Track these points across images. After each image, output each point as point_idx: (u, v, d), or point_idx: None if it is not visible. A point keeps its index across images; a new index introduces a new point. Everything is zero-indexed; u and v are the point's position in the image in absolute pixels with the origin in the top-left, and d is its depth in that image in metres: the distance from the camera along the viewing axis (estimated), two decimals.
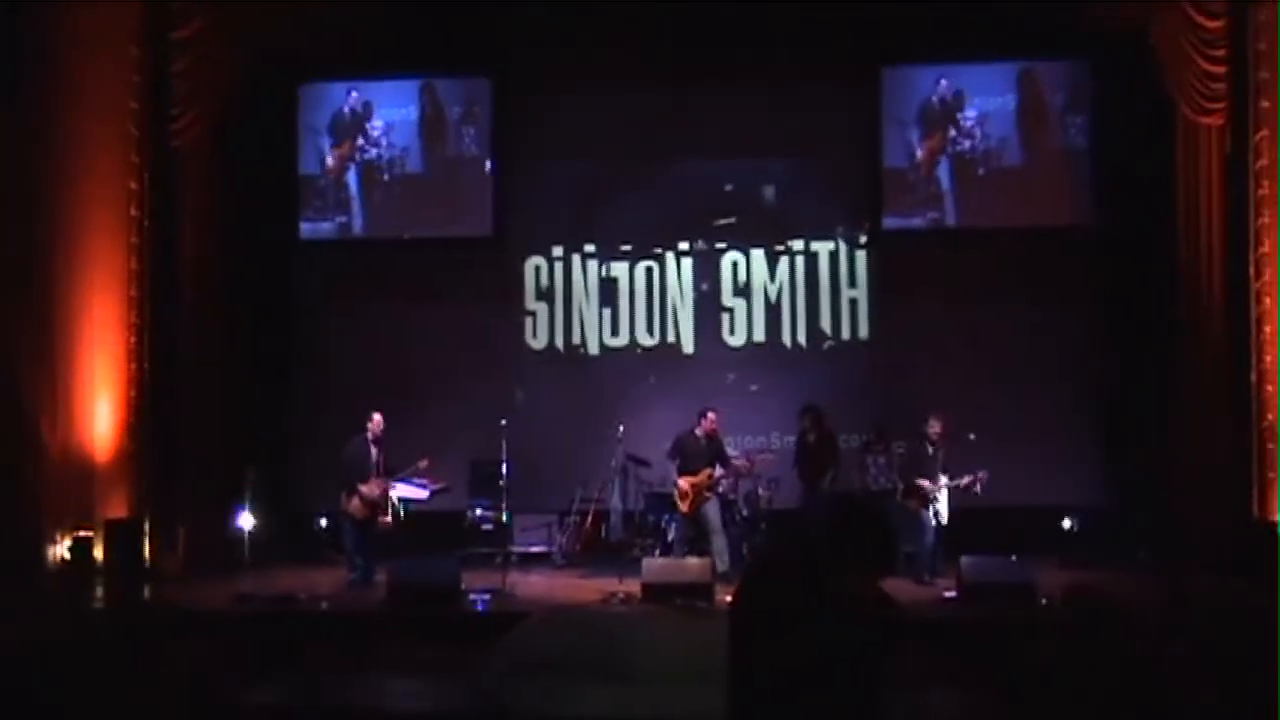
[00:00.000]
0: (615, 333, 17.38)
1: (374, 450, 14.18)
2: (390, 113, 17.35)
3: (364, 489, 13.99)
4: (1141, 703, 5.03)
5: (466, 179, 17.31)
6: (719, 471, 14.53)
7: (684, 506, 14.46)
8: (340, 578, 14.15)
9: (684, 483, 14.46)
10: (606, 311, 17.41)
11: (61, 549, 13.57)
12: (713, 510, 14.34)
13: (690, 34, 16.16)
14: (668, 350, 17.31)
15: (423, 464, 14.34)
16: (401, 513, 14.88)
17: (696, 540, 14.44)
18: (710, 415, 14.69)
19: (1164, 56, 14.75)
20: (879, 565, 4.44)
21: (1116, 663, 5.24)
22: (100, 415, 14.28)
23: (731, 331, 17.24)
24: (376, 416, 14.27)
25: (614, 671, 9.49)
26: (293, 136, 17.23)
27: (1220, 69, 14.35)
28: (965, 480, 13.80)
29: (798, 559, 4.53)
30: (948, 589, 13.01)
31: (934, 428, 14.13)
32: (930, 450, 14.10)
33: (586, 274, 17.43)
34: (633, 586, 13.06)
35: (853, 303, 17.13)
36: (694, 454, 14.60)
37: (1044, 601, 11.85)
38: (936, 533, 13.88)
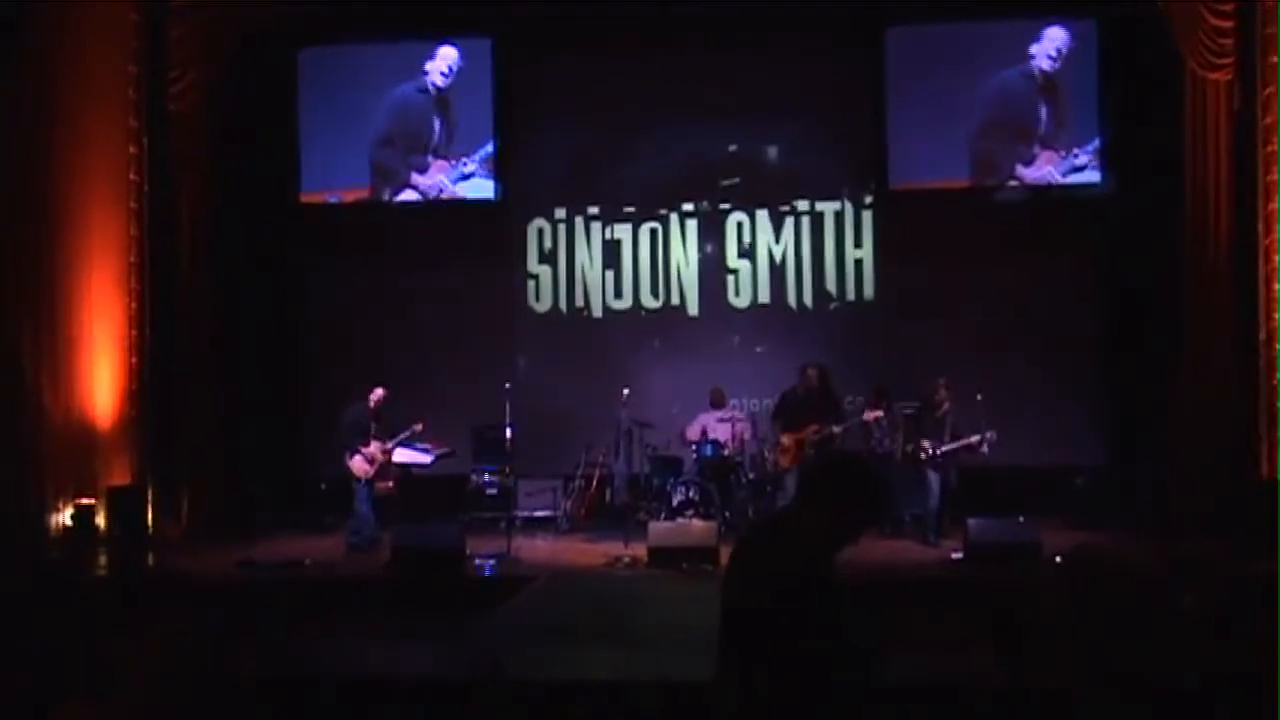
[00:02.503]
0: (619, 295, 17.35)
1: (373, 423, 14.22)
2: (391, 74, 17.24)
3: (364, 450, 14.06)
4: (1141, 661, 5.04)
5: (468, 138, 17.22)
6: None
7: (784, 461, 14.76)
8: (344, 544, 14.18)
9: (785, 438, 14.76)
10: (610, 274, 17.38)
11: (63, 517, 13.62)
12: None
13: None
14: (672, 313, 17.29)
15: (418, 428, 14.34)
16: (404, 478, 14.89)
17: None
18: (810, 371, 14.96)
19: (1172, 12, 14.64)
20: (864, 521, 4.46)
21: (1118, 621, 5.25)
22: (101, 382, 14.31)
23: (736, 293, 17.21)
24: (380, 391, 14.31)
25: (620, 636, 9.51)
26: (292, 100, 17.12)
27: (1228, 24, 14.24)
28: (973, 439, 13.81)
29: (792, 520, 4.56)
30: (954, 550, 13.03)
31: (938, 392, 14.16)
32: (936, 414, 14.12)
33: (590, 236, 17.40)
34: (638, 551, 13.11)
35: (858, 263, 17.09)
36: (794, 409, 14.86)
37: (1056, 559, 11.89)
38: (942, 494, 13.91)
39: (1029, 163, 16.46)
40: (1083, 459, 15.84)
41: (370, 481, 14.16)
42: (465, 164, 17.10)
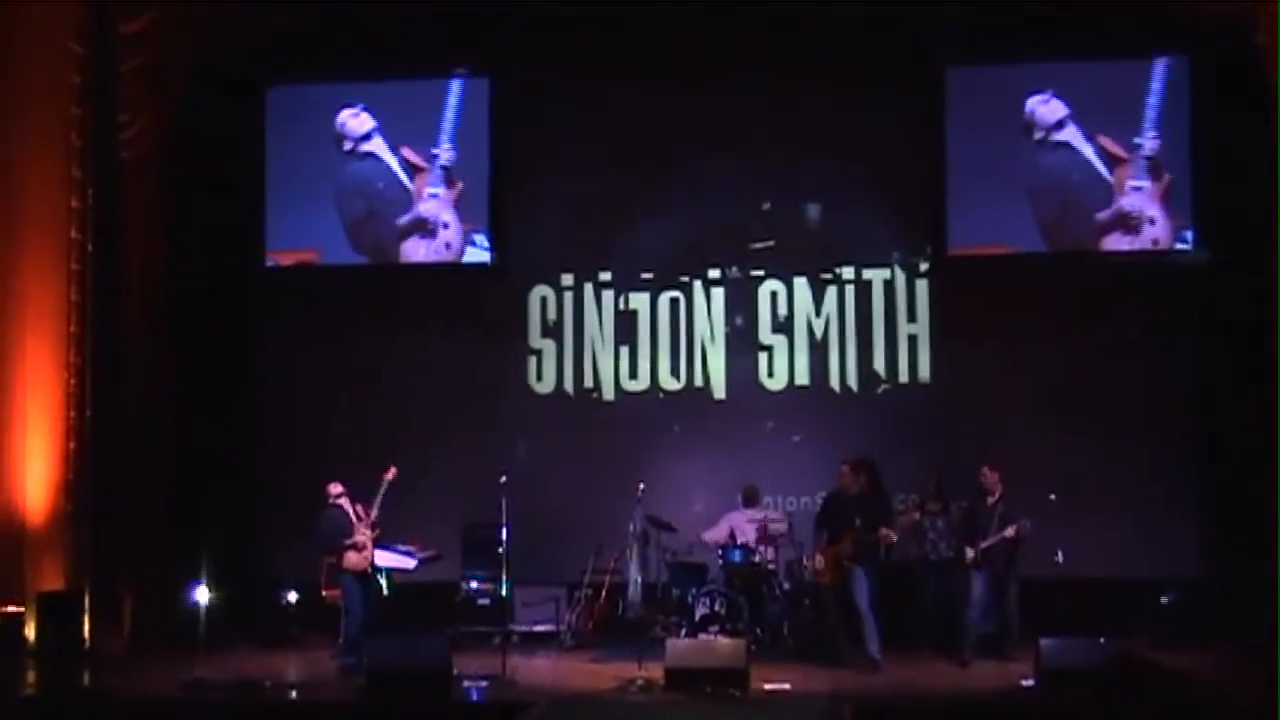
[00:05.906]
0: (634, 375, 17.34)
1: (349, 506, 14.16)
2: (374, 118, 17.34)
3: (353, 540, 13.96)
4: None
5: (461, 194, 17.29)
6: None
7: (822, 580, 14.48)
8: (313, 661, 14.10)
9: (819, 556, 14.45)
10: (624, 350, 17.36)
11: None
12: (860, 583, 14.00)
13: (721, 26, 16.24)
14: (695, 395, 17.25)
15: (388, 475, 14.23)
16: (384, 584, 14.86)
17: (848, 620, 14.27)
18: (843, 468, 14.56)
19: (1271, 52, 14.67)
20: None
21: None
22: (33, 471, 14.29)
23: (770, 373, 17.17)
24: (338, 489, 14.27)
25: None
26: (259, 147, 17.22)
27: None
28: (1007, 532, 13.82)
29: None
30: (1024, 676, 12.94)
31: (987, 479, 14.18)
32: (987, 504, 14.13)
33: (601, 306, 17.41)
34: (654, 672, 12.99)
35: (912, 340, 17.05)
36: (839, 517, 14.44)
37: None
38: (1000, 604, 13.96)
39: (1108, 226, 16.47)
40: (1172, 570, 15.69)
41: (366, 579, 14.06)
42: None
